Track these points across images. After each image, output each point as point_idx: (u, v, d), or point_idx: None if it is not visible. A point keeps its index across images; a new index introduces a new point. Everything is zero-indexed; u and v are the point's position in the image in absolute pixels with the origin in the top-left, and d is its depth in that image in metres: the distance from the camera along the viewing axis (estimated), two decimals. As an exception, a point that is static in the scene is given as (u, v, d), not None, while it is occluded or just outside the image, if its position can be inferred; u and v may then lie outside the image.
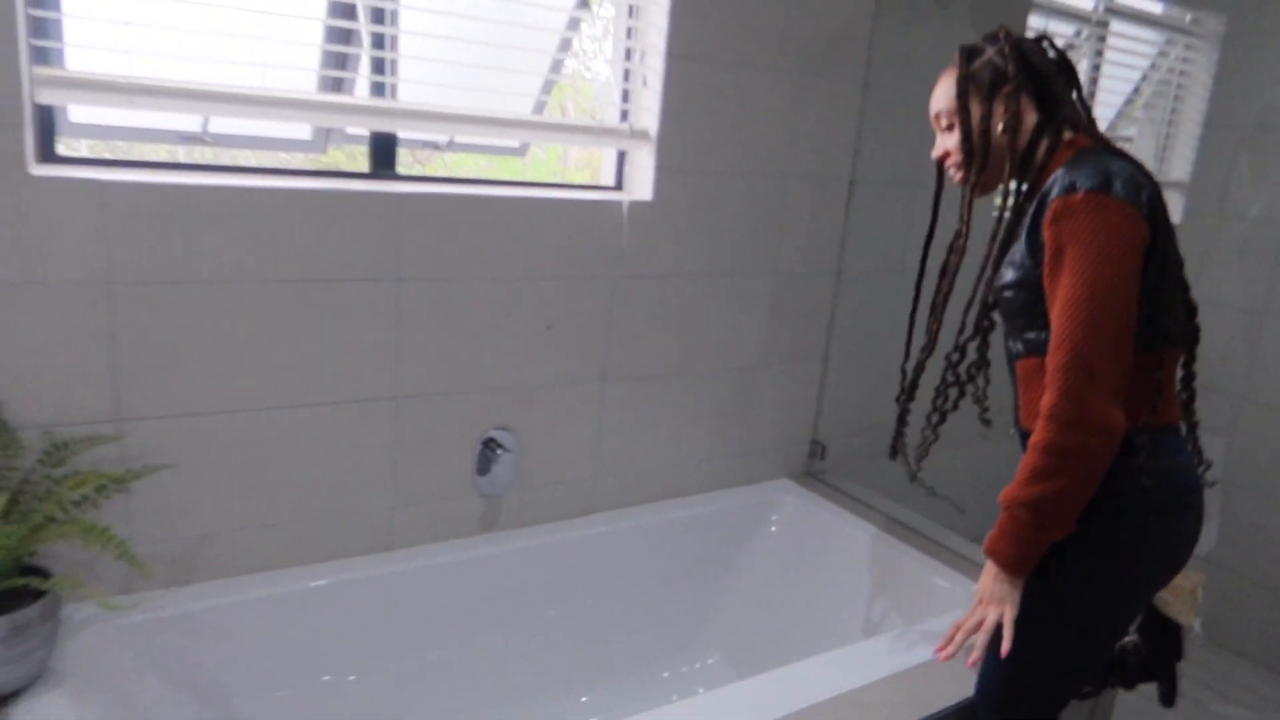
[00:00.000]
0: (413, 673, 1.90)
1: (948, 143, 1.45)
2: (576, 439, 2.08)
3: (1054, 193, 1.26)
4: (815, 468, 2.52)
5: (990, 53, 1.40)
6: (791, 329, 2.36)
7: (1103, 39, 3.04)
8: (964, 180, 1.44)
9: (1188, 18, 3.11)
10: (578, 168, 2.70)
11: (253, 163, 1.91)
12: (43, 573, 1.34)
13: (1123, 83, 3.19)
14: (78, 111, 1.54)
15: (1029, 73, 1.37)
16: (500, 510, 2.01)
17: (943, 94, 1.44)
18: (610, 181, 2.10)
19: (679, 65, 1.96)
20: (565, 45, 2.05)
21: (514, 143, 2.22)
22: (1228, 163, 2.96)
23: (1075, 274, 1.21)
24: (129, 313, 1.51)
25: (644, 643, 2.18)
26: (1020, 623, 1.32)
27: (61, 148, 1.48)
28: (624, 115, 2.02)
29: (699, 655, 2.23)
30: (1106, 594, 1.34)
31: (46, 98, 1.39)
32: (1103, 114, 3.23)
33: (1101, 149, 1.33)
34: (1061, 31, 2.94)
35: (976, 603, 1.35)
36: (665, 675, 2.19)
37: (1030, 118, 1.37)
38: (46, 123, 1.43)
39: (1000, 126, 1.37)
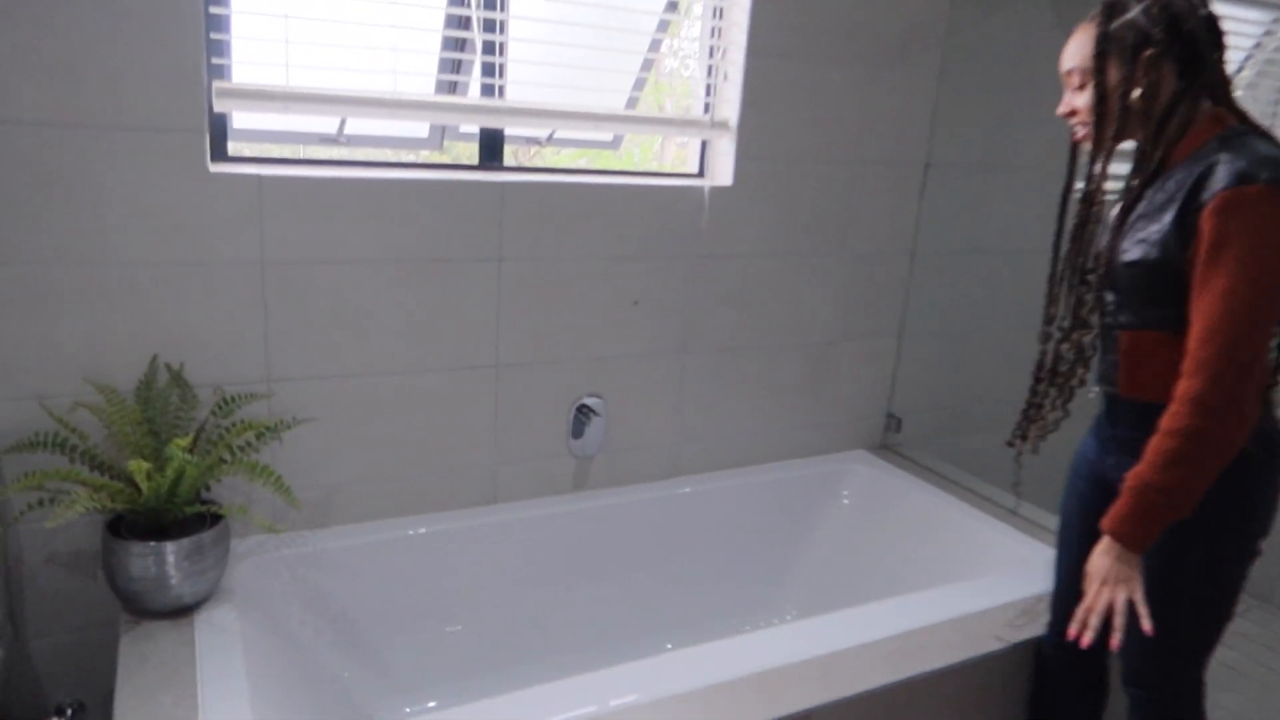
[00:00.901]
0: (509, 615, 2.12)
1: (1076, 101, 1.40)
2: (660, 407, 2.26)
3: (1221, 181, 1.22)
4: (891, 440, 2.64)
5: (1135, 11, 1.31)
6: (866, 306, 2.49)
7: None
8: (1090, 140, 1.41)
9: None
10: (674, 164, 2.88)
11: (381, 159, 2.16)
12: (213, 505, 1.61)
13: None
14: (238, 118, 1.81)
15: (1176, 37, 1.30)
16: (591, 470, 2.22)
17: (1077, 50, 1.38)
18: (693, 169, 2.27)
19: (758, 61, 2.12)
20: (655, 46, 2.23)
21: (607, 136, 2.42)
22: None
23: (1241, 268, 1.20)
24: (278, 288, 1.77)
25: (724, 597, 2.35)
26: (1155, 601, 1.36)
27: (230, 149, 1.75)
28: (706, 108, 2.19)
29: (777, 611, 2.39)
30: (1234, 557, 1.40)
31: (222, 107, 1.65)
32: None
33: (1250, 130, 1.30)
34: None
35: (1099, 584, 1.35)
36: (746, 629, 2.35)
37: (1169, 85, 1.31)
38: (219, 128, 1.70)
39: (1138, 92, 1.32)
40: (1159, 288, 1.33)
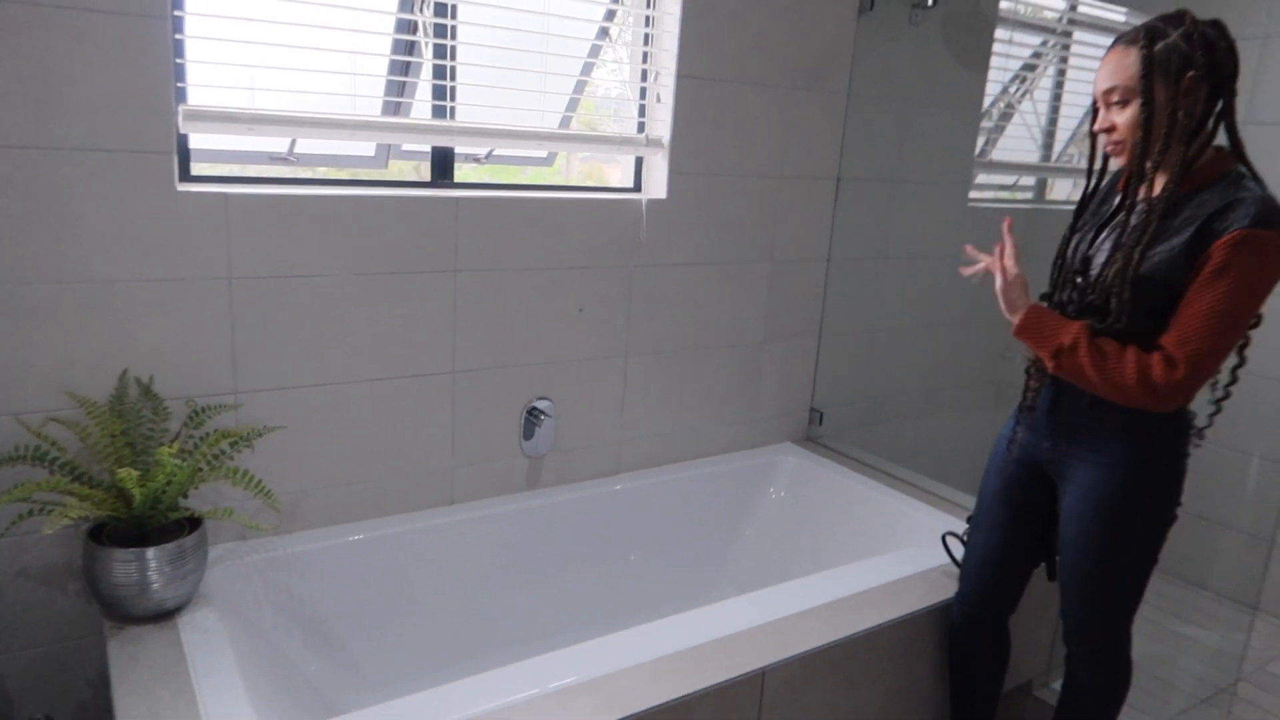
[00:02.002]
0: (471, 610, 2.23)
1: (1116, 119, 1.48)
2: (605, 407, 2.41)
3: (1243, 219, 1.37)
4: (815, 432, 2.85)
5: (1175, 36, 1.41)
6: (788, 309, 2.70)
7: (1066, 48, 3.37)
8: (1124, 156, 1.50)
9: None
10: (579, 178, 3.02)
11: (331, 177, 2.24)
12: (196, 510, 1.67)
13: (1089, 86, 3.50)
14: (193, 139, 1.87)
15: (1212, 62, 1.40)
16: (542, 469, 2.35)
17: (1117, 71, 1.45)
18: (629, 183, 2.43)
19: (687, 84, 2.30)
20: (588, 70, 2.38)
21: (543, 153, 2.56)
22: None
23: (1231, 297, 1.38)
24: (244, 302, 1.84)
25: (669, 583, 2.51)
26: (1107, 566, 1.61)
27: (197, 169, 1.82)
28: (640, 127, 2.36)
29: (719, 594, 2.56)
30: (1165, 523, 1.62)
31: (187, 129, 1.72)
32: (1069, 123, 3.55)
33: (1253, 174, 1.47)
34: (1028, 43, 3.27)
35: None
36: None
37: (1202, 107, 1.42)
38: (183, 149, 1.77)
39: (1181, 114, 1.42)
40: (1155, 301, 1.47)
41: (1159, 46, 1.42)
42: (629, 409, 2.46)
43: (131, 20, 1.60)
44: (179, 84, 1.72)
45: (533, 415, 2.28)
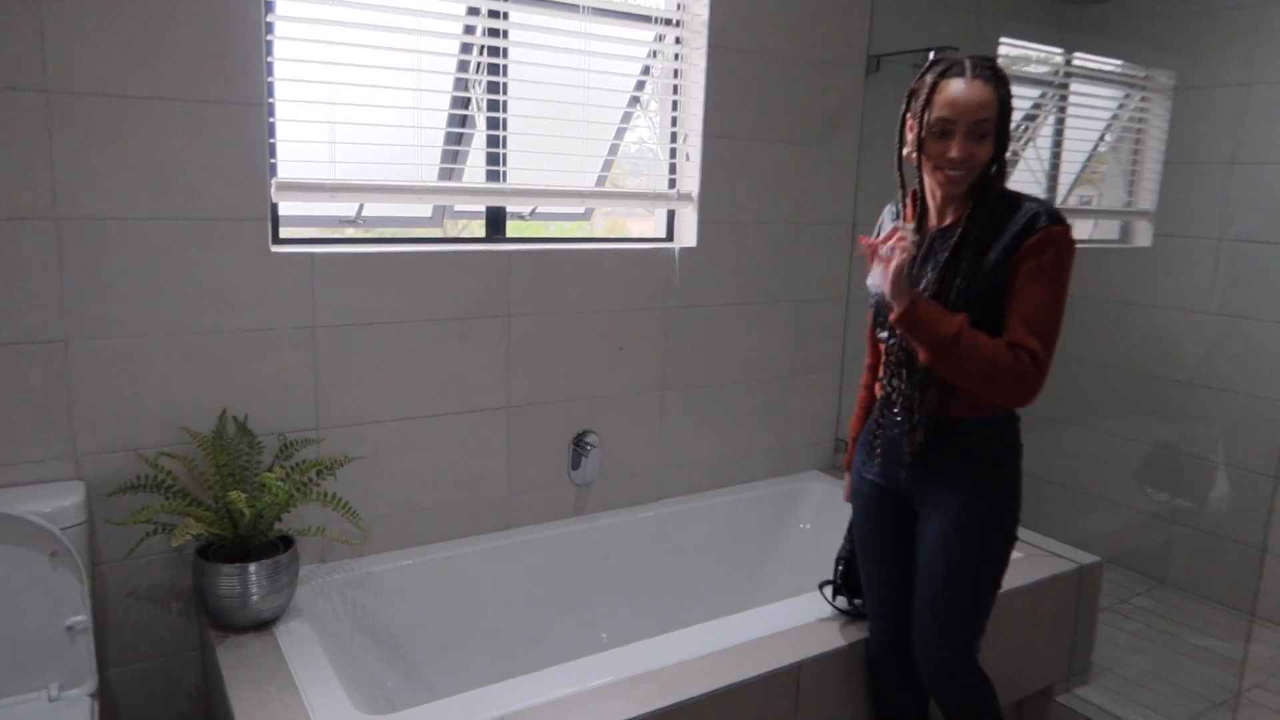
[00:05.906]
0: (525, 625, 2.41)
1: (976, 148, 1.54)
2: (645, 438, 2.61)
3: (1044, 220, 1.52)
4: (840, 461, 3.03)
5: (1008, 83, 1.56)
6: (811, 345, 2.90)
7: (1064, 98, 3.60)
8: (962, 186, 1.58)
9: (1142, 74, 3.65)
10: (604, 230, 3.27)
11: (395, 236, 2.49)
12: (292, 530, 1.88)
13: (1086, 132, 3.73)
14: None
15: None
16: (589, 496, 2.54)
17: (988, 105, 1.52)
18: (660, 234, 2.67)
19: (713, 143, 2.55)
20: (620, 134, 2.64)
21: (581, 209, 2.81)
22: (1182, 192, 3.42)
23: (1055, 286, 1.52)
24: (325, 348, 2.07)
25: (704, 602, 2.68)
26: (979, 590, 1.66)
27: (284, 232, 2.07)
28: (671, 183, 2.60)
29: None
30: (1013, 541, 1.68)
31: (278, 198, 1.98)
32: (1073, 159, 3.76)
33: (1011, 191, 1.61)
34: (1028, 95, 3.50)
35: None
36: (726, 632, 2.67)
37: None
38: (274, 216, 2.02)
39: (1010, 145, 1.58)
40: (991, 312, 1.56)
41: (1006, 91, 1.54)
42: (667, 439, 2.66)
43: (235, 108, 1.87)
44: (271, 160, 1.98)
45: (580, 446, 2.48)
